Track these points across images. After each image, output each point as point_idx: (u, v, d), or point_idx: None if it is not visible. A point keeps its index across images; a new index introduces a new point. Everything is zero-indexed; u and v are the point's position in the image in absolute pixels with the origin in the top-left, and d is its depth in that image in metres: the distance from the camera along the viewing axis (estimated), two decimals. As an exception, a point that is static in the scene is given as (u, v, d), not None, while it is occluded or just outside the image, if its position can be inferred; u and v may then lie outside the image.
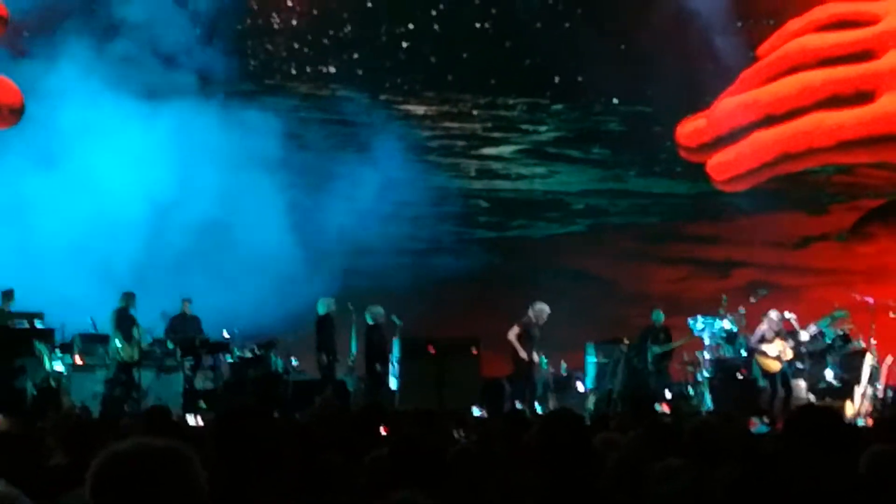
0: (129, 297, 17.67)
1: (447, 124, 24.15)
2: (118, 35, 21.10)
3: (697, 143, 23.65)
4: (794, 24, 23.28)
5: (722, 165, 23.46)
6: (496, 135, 24.48)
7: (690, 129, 23.71)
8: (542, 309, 18.71)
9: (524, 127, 24.69)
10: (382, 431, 7.92)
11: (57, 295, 18.10)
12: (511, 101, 24.63)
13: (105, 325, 17.67)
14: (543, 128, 24.76)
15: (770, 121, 22.93)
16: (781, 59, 23.19)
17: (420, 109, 23.87)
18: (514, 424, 6.92)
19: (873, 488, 4.39)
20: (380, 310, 18.57)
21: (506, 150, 24.50)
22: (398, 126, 22.97)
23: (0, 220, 19.87)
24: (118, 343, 17.31)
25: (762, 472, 4.07)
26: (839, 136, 22.73)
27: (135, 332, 17.39)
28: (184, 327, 18.60)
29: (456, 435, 9.22)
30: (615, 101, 24.69)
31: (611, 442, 7.06)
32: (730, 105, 23.22)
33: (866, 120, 22.53)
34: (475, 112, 24.49)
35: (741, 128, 23.00)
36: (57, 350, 17.32)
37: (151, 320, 17.97)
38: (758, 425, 16.39)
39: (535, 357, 18.63)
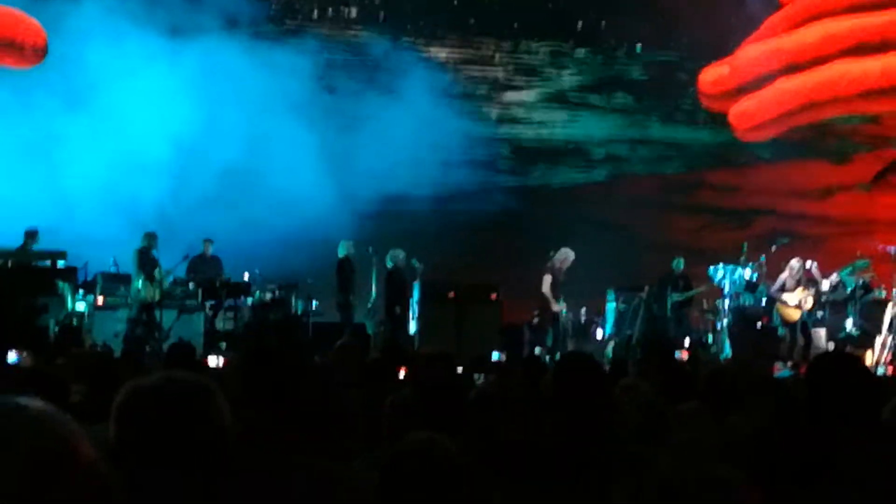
0: (150, 238, 17.71)
1: (469, 68, 23.98)
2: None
3: (720, 90, 23.42)
4: (819, -29, 22.99)
5: (744, 114, 23.24)
6: (518, 80, 24.32)
7: (713, 77, 23.47)
8: (567, 254, 18.66)
9: (546, 72, 24.52)
10: (401, 374, 7.92)
11: (82, 234, 18.17)
12: (534, 46, 24.45)
13: (127, 264, 17.73)
14: (566, 73, 24.59)
15: (794, 69, 22.66)
16: (806, 6, 22.89)
17: (442, 53, 23.69)
18: (533, 369, 6.90)
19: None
20: (400, 253, 18.56)
21: (528, 95, 24.35)
22: (420, 70, 22.80)
23: (27, 158, 19.85)
24: (139, 283, 17.36)
25: (786, 418, 4.04)
26: (864, 85, 22.46)
27: (156, 272, 17.43)
28: (205, 268, 18.63)
29: (475, 379, 9.22)
30: (638, 47, 24.49)
31: (631, 388, 7.04)
32: (753, 52, 22.95)
33: (891, 69, 22.24)
34: (497, 56, 24.31)
35: (764, 76, 22.74)
36: (79, 289, 17.40)
37: (174, 261, 18.00)
38: (781, 370, 16.39)
39: (558, 304, 18.58)
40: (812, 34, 22.41)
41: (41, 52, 18.90)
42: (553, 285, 18.48)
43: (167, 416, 2.78)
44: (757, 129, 23.06)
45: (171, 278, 17.88)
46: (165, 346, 15.07)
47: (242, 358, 3.76)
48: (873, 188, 23.67)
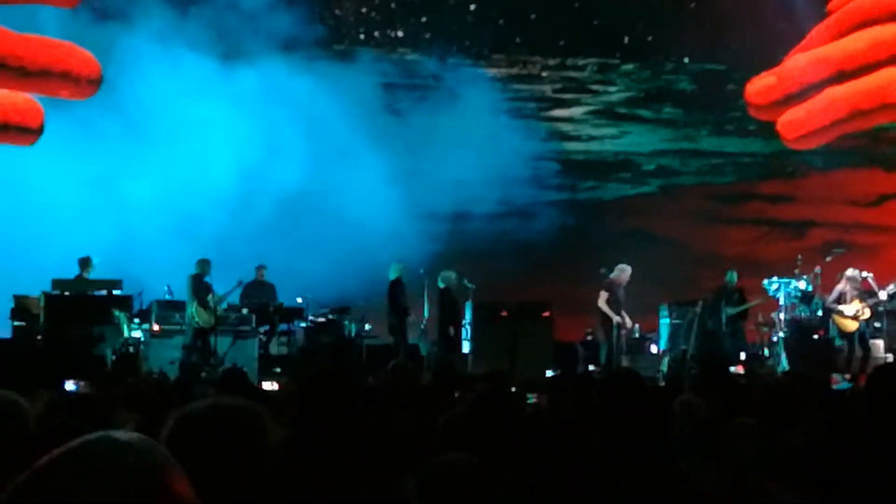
0: (204, 264, 17.83)
1: (517, 86, 23.98)
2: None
3: (768, 100, 23.26)
4: (865, -22, 22.80)
5: (792, 123, 23.06)
6: (566, 96, 24.30)
7: (760, 87, 23.32)
8: (624, 269, 18.56)
9: (594, 87, 24.48)
10: (455, 395, 7.90)
11: (143, 262, 18.38)
12: (581, 62, 24.43)
13: (182, 292, 17.87)
14: (613, 88, 24.54)
15: (841, 77, 22.48)
16: (852, 13, 22.71)
17: (489, 72, 23.71)
18: (585, 387, 6.85)
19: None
20: (451, 274, 18.56)
21: (576, 111, 24.33)
22: (469, 89, 22.81)
23: (89, 187, 20.06)
24: (193, 309, 17.48)
25: (842, 433, 3.98)
26: (912, 91, 22.27)
27: (210, 298, 17.55)
28: (258, 294, 18.75)
29: (530, 399, 9.18)
30: (686, 60, 24.42)
31: (687, 404, 7.00)
32: (800, 61, 22.79)
33: (940, 75, 22.03)
34: (545, 74, 24.32)
35: (812, 84, 22.57)
36: (135, 318, 17.55)
37: (230, 287, 18.10)
38: (840, 382, 16.20)
39: (626, 320, 18.42)
40: (859, 41, 22.22)
41: (96, 83, 19.11)
42: (610, 301, 18.37)
43: (215, 441, 2.79)
44: (806, 137, 22.87)
45: (224, 304, 17.99)
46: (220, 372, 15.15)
47: (303, 381, 3.80)
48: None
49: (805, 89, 22.44)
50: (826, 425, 4.19)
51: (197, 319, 17.46)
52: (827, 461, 3.61)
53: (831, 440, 3.85)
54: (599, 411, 4.26)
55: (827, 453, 3.67)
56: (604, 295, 18.38)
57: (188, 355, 17.29)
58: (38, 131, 18.41)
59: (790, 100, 22.63)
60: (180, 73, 20.42)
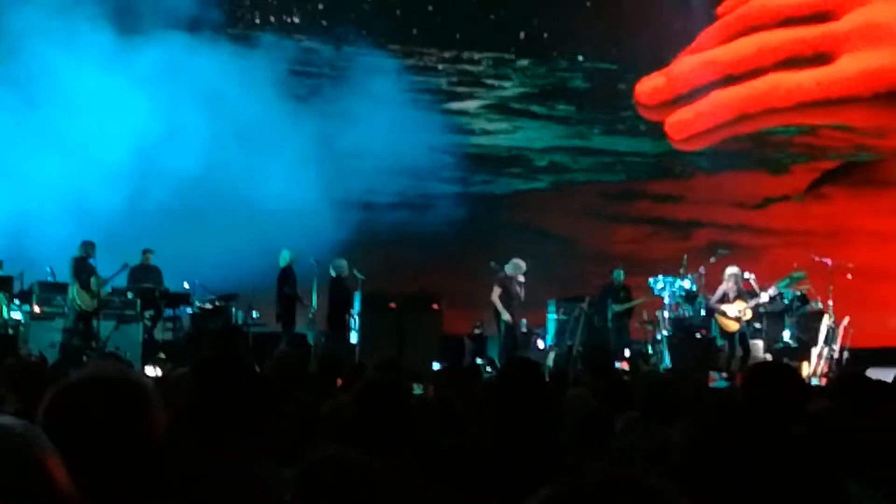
0: (88, 246, 17.51)
1: (413, 78, 24.03)
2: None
3: (657, 101, 23.71)
4: (754, -16, 23.34)
5: (680, 124, 23.55)
6: (461, 89, 24.42)
7: (650, 87, 23.76)
8: (518, 264, 18.70)
9: (489, 82, 24.65)
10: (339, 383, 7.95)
11: (36, 240, 18.05)
12: (476, 56, 24.57)
13: (64, 273, 17.56)
14: (508, 83, 24.73)
15: (729, 80, 23.02)
16: (741, 18, 23.27)
17: (385, 63, 23.68)
18: (472, 379, 6.96)
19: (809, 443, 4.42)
20: (343, 263, 18.55)
21: (471, 104, 24.46)
22: (363, 79, 22.78)
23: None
24: (75, 292, 17.20)
25: (715, 427, 4.10)
26: (797, 97, 22.88)
27: (93, 281, 17.27)
28: (144, 278, 18.52)
29: (417, 390, 9.26)
30: (580, 57, 24.69)
31: (576, 398, 7.15)
32: (689, 63, 23.27)
33: (825, 81, 22.66)
34: (440, 66, 24.40)
35: (700, 87, 23.08)
36: (15, 299, 17.22)
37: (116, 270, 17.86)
38: (717, 380, 16.56)
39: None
40: (747, 46, 22.78)
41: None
42: (503, 296, 18.53)
43: (96, 412, 2.62)
44: (692, 139, 23.38)
45: (108, 287, 17.73)
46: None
47: (194, 367, 3.78)
48: (806, 199, 23.99)
49: (693, 91, 22.93)
50: (701, 421, 4.32)
51: (79, 302, 17.19)
52: (703, 455, 3.72)
53: (707, 435, 3.98)
54: (497, 399, 4.30)
55: (703, 447, 3.78)
56: (496, 290, 18.54)
57: (69, 339, 17.04)
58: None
59: (678, 101, 23.10)
60: (78, 47, 20.06)
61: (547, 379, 10.47)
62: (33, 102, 20.03)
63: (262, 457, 3.43)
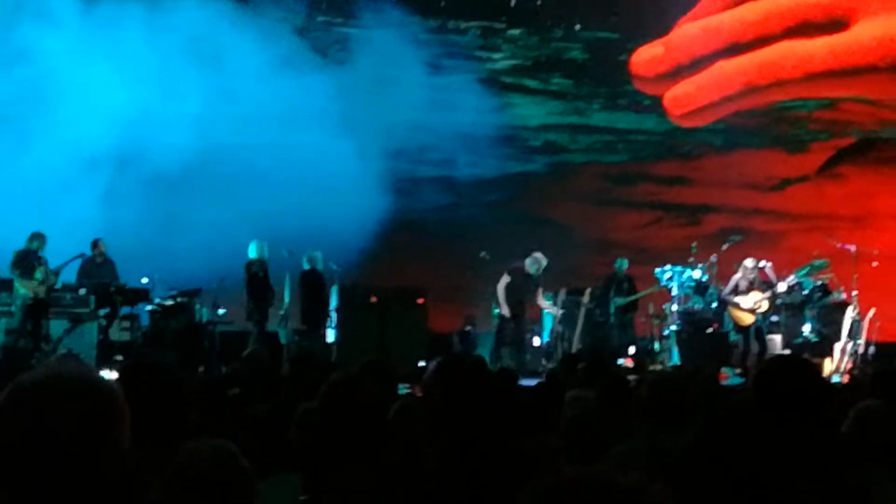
0: (37, 237, 17.35)
1: (392, 50, 23.89)
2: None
3: (654, 72, 23.59)
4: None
5: (680, 98, 23.43)
6: (446, 62, 24.32)
7: (647, 58, 23.63)
8: (537, 258, 18.69)
9: (477, 54, 24.57)
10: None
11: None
12: (462, 26, 24.49)
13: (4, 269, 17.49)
14: (498, 55, 24.66)
15: (734, 49, 22.92)
16: (746, -19, 23.16)
17: (361, 34, 23.57)
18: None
19: (856, 447, 4.43)
20: (318, 254, 18.52)
21: (457, 79, 24.35)
22: (336, 52, 22.69)
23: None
24: (17, 284, 17.05)
25: (723, 432, 4.08)
26: (809, 67, 22.79)
27: (38, 272, 17.06)
28: (98, 272, 18.40)
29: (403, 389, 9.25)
30: (577, 26, 24.61)
31: (577, 399, 7.16)
32: (690, 31, 23.15)
33: (839, 50, 22.56)
34: (423, 37, 24.27)
35: (702, 56, 22.95)
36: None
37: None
38: (730, 377, 16.56)
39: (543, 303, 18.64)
40: (754, 11, 22.65)
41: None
42: (508, 288, 18.52)
43: (53, 414, 2.52)
44: (694, 114, 23.25)
45: (59, 279, 17.55)
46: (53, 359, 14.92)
47: (120, 375, 3.82)
48: (823, 179, 23.98)
49: (695, 61, 22.81)
50: (709, 423, 4.30)
51: (22, 292, 17.00)
52: (698, 463, 3.72)
53: (713, 440, 3.96)
54: (439, 401, 4.23)
55: (708, 453, 3.77)
56: (504, 280, 18.55)
57: (15, 339, 16.94)
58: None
59: (679, 72, 22.98)
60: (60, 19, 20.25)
61: (545, 380, 10.47)
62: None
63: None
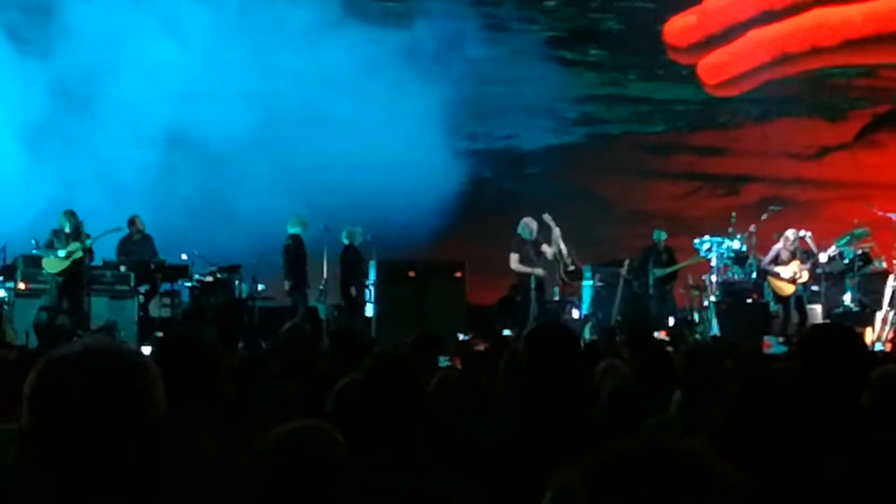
0: (65, 215, 17.33)
1: (427, 24, 23.80)
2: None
3: (687, 42, 23.43)
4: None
5: (714, 67, 23.27)
6: (483, 34, 24.20)
7: (679, 27, 23.46)
8: (527, 224, 18.62)
9: (513, 26, 24.47)
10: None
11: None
12: (499, -3, 24.41)
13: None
14: (535, 27, 24.55)
15: (768, 17, 22.71)
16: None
17: (397, 7, 23.51)
18: (499, 350, 6.96)
19: (876, 413, 4.40)
20: (357, 229, 18.54)
21: (493, 51, 24.23)
22: (371, 27, 22.59)
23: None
24: (43, 261, 17.10)
25: (759, 400, 4.07)
26: (845, 33, 22.57)
27: (59, 248, 17.07)
28: (137, 250, 18.47)
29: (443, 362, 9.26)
30: (614, -5, 24.50)
31: (609, 371, 7.14)
32: (723, 0, 22.95)
33: (875, 15, 22.30)
34: (460, 10, 24.14)
35: (735, 25, 22.75)
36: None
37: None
38: (773, 346, 16.45)
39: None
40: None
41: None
42: (523, 261, 18.47)
43: (88, 390, 2.49)
44: (728, 83, 23.07)
45: (90, 244, 17.44)
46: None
47: (157, 349, 3.83)
48: (856, 146, 23.78)
49: (728, 30, 22.59)
50: (746, 395, 4.29)
51: (47, 270, 17.05)
52: (733, 433, 3.70)
53: (747, 407, 3.95)
54: (525, 370, 4.26)
55: (733, 424, 3.76)
56: (513, 256, 18.49)
57: (52, 317, 16.95)
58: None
59: (712, 41, 22.77)
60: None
61: (584, 350, 10.47)
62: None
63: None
